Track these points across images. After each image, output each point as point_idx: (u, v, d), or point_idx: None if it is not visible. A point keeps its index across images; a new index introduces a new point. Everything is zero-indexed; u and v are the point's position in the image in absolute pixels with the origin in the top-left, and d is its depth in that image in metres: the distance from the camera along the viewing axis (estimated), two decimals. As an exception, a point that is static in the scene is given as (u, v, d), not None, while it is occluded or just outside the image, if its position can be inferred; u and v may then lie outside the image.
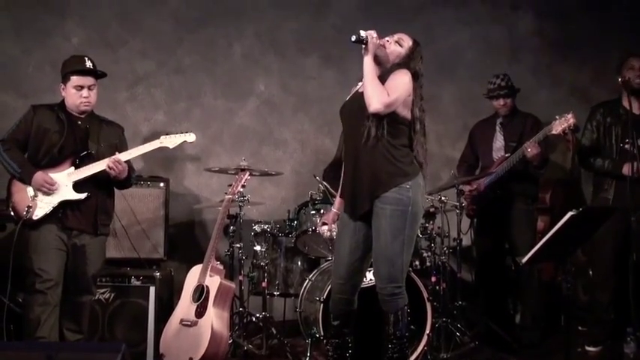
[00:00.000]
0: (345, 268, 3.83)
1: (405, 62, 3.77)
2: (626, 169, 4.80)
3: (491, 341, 5.11)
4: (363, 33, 3.69)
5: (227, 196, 4.76)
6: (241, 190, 4.83)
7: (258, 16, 6.23)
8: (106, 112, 4.66)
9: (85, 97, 4.35)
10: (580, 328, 5.41)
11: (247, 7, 6.21)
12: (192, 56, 6.14)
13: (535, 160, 5.06)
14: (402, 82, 3.66)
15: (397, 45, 3.79)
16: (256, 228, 5.30)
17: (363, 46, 3.68)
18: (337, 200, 4.07)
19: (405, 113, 3.71)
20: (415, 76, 3.74)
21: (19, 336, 4.52)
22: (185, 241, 5.98)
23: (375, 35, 3.70)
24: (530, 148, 4.97)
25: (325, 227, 4.11)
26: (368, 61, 3.68)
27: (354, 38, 3.69)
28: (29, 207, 4.21)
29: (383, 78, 3.69)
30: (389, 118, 3.65)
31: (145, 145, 4.45)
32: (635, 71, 4.89)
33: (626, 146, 4.84)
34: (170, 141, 4.46)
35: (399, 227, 3.66)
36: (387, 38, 3.79)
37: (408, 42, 3.82)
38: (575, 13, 6.52)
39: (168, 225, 5.56)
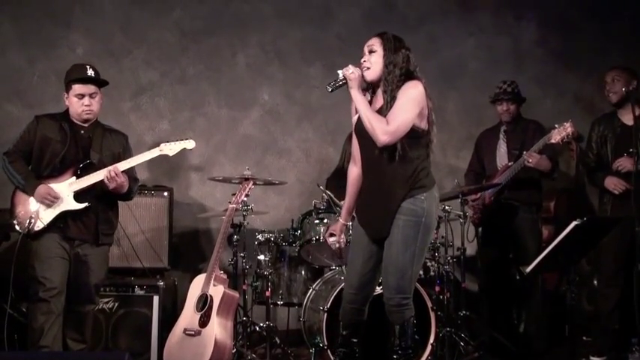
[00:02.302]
0: (358, 277, 3.80)
1: (394, 61, 3.68)
2: (607, 182, 4.84)
3: (496, 351, 5.10)
4: (340, 74, 3.66)
5: (231, 206, 4.76)
6: (245, 199, 4.83)
7: (262, 25, 6.25)
8: (110, 122, 4.68)
9: (86, 105, 4.35)
10: (585, 338, 5.39)
11: (251, 17, 6.23)
12: (196, 66, 6.16)
13: (541, 167, 5.06)
14: (407, 100, 3.60)
15: (372, 54, 3.71)
16: (260, 237, 5.30)
17: (346, 85, 3.67)
18: (344, 211, 4.02)
19: (422, 124, 3.68)
20: (415, 71, 3.71)
21: (22, 345, 4.53)
22: (189, 250, 5.98)
23: (352, 69, 3.65)
24: (531, 159, 4.99)
25: (334, 238, 4.04)
26: (356, 95, 3.66)
27: (330, 88, 3.68)
28: (32, 218, 4.21)
29: (392, 95, 3.64)
30: (406, 135, 3.62)
31: (145, 153, 4.44)
32: (607, 85, 4.95)
33: (614, 166, 4.88)
34: (170, 148, 4.45)
35: (411, 238, 3.64)
36: (362, 59, 3.73)
37: (376, 42, 3.73)
38: (579, 23, 6.53)
39: (172, 234, 5.56)
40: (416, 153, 3.68)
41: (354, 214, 3.98)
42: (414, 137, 3.64)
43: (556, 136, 4.88)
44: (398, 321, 3.71)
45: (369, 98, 3.77)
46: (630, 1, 6.44)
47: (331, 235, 4.06)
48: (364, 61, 3.72)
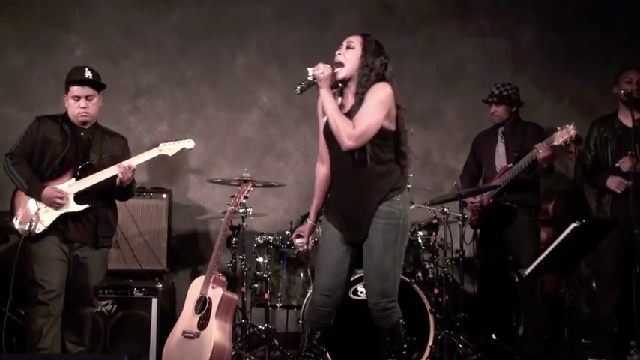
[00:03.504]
0: (332, 278, 3.74)
1: (372, 65, 3.63)
2: (609, 182, 4.85)
3: (494, 353, 5.10)
4: (310, 73, 3.60)
5: (229, 208, 4.76)
6: (244, 201, 4.83)
7: (260, 27, 6.25)
8: (109, 124, 4.68)
9: (82, 108, 4.34)
10: (583, 340, 5.39)
11: (250, 19, 6.23)
12: (195, 68, 6.17)
13: (546, 163, 5.04)
14: (374, 103, 3.55)
15: (349, 50, 3.66)
16: (259, 239, 5.30)
17: (316, 85, 3.60)
18: (313, 212, 3.95)
19: (391, 126, 3.63)
20: (390, 79, 3.65)
21: (21, 348, 4.52)
22: (187, 252, 5.98)
23: (322, 68, 3.59)
24: (542, 150, 4.95)
25: (301, 240, 3.98)
26: (325, 95, 3.60)
27: (299, 89, 3.62)
28: (32, 221, 4.21)
29: (362, 97, 3.60)
30: (375, 136, 3.58)
31: (144, 153, 4.42)
32: (632, 85, 4.91)
33: (617, 164, 4.88)
34: (169, 148, 4.45)
35: (392, 241, 3.63)
36: (337, 52, 3.69)
37: (357, 40, 3.69)
38: (577, 26, 6.53)
39: (171, 236, 5.56)
40: (388, 155, 3.65)
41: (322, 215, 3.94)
42: (384, 139, 3.61)
43: (559, 138, 4.87)
44: (386, 325, 3.69)
45: (339, 99, 3.71)
46: (629, 3, 6.44)
47: (298, 236, 4.00)
48: (339, 54, 3.66)
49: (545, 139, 5.01)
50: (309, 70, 3.61)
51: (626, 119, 4.96)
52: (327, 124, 3.68)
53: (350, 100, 3.68)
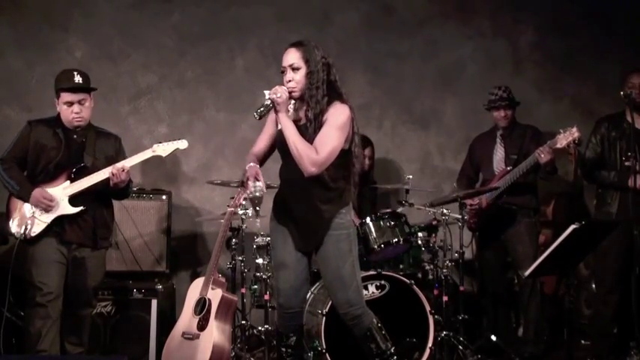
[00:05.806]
0: (297, 276, 3.78)
1: (317, 76, 3.59)
2: (631, 182, 4.81)
3: (494, 355, 5.10)
4: (267, 96, 3.51)
5: (229, 209, 4.77)
6: (243, 202, 4.83)
7: (260, 29, 6.25)
8: (108, 125, 4.67)
9: (76, 113, 4.32)
10: (583, 342, 5.40)
11: (250, 21, 6.23)
12: (195, 69, 6.16)
13: (549, 165, 5.04)
14: (335, 127, 3.55)
15: (296, 71, 3.60)
16: (258, 241, 5.28)
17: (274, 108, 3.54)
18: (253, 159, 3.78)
19: (345, 145, 3.63)
20: (336, 81, 3.66)
21: (20, 349, 4.52)
22: (187, 253, 5.98)
23: (279, 92, 3.53)
24: (544, 154, 4.95)
25: (263, 182, 3.68)
26: (284, 120, 3.55)
27: (258, 115, 3.51)
28: (27, 224, 4.21)
29: (315, 114, 3.58)
30: None
31: (138, 154, 4.38)
32: (635, 89, 4.89)
33: (627, 163, 4.87)
34: (162, 149, 4.42)
35: (347, 250, 3.69)
36: (285, 78, 3.61)
37: (296, 57, 3.61)
38: (577, 27, 6.52)
39: (171, 238, 5.56)
40: (341, 173, 3.67)
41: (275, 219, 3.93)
42: (338, 158, 3.61)
43: (562, 140, 4.86)
44: (361, 331, 3.74)
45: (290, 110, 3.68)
46: (629, 3, 6.43)
47: (255, 179, 3.69)
48: (290, 81, 3.61)
49: (543, 142, 5.01)
50: (267, 93, 3.55)
51: (631, 120, 4.93)
52: (281, 135, 3.67)
53: (301, 116, 3.67)
